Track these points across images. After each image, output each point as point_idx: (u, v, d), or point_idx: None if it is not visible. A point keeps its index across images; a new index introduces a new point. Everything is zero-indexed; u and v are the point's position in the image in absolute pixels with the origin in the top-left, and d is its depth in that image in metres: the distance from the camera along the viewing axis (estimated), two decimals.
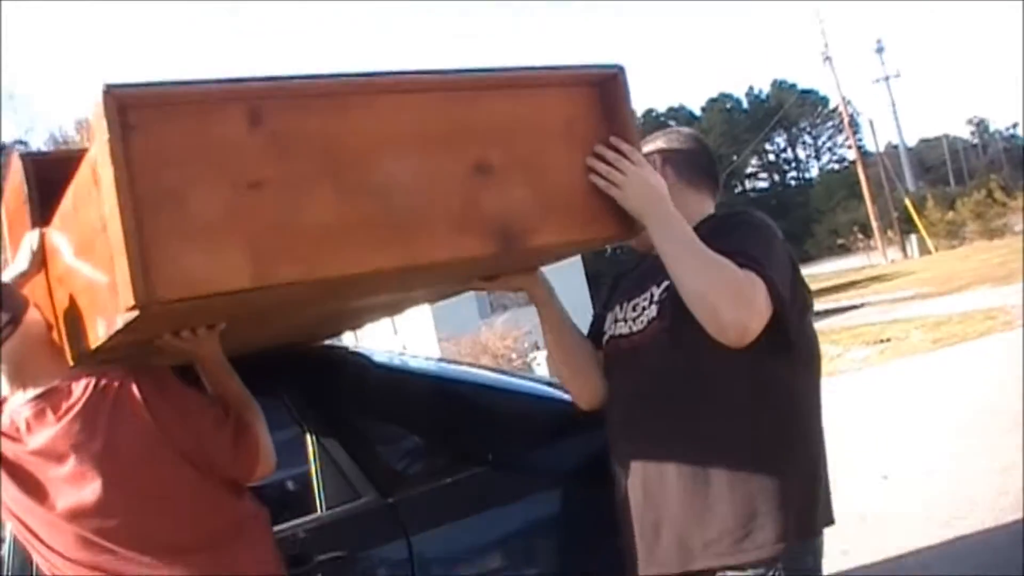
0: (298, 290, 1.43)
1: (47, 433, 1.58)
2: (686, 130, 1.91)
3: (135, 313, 1.29)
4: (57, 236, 1.72)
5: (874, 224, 37.43)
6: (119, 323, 1.36)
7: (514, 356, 13.50)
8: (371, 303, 2.00)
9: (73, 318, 1.65)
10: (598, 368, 1.82)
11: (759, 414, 1.60)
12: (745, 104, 71.73)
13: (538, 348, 15.78)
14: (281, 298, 1.50)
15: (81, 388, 1.61)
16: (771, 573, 1.55)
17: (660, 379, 1.65)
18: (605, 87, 1.63)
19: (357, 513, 2.00)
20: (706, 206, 1.80)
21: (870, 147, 48.41)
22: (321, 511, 2.02)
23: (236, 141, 1.35)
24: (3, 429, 1.63)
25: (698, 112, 71.40)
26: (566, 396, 2.24)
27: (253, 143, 1.36)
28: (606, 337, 1.79)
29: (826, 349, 11.44)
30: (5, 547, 2.06)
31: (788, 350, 1.60)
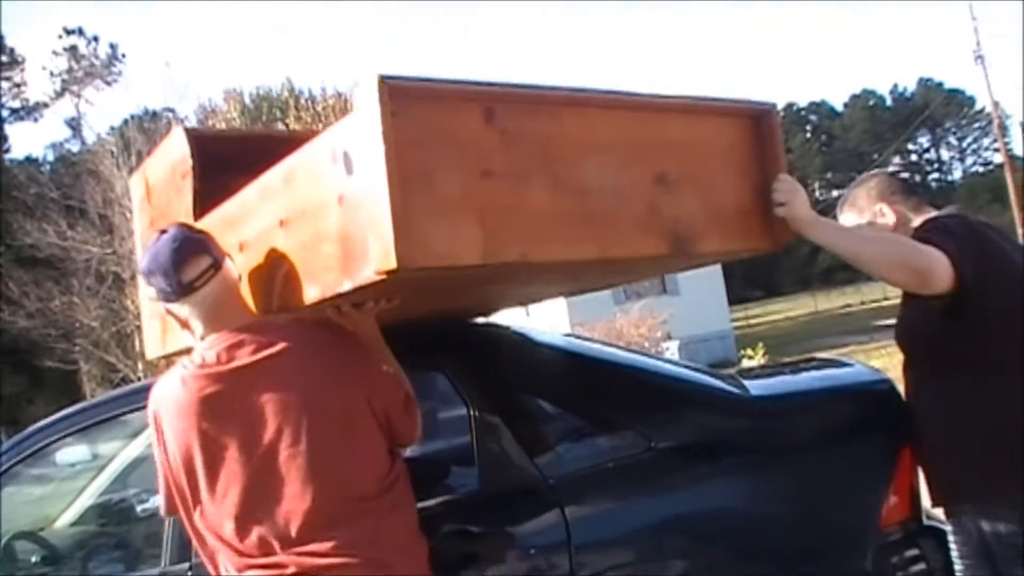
0: (504, 271, 1.61)
1: (245, 360, 1.70)
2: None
3: (383, 277, 1.45)
4: (248, 208, 1.86)
5: (1019, 230, 36.41)
6: (359, 282, 1.51)
7: (647, 344, 12.99)
8: (539, 288, 2.14)
9: (267, 278, 1.79)
10: None
11: None
12: (889, 101, 68.81)
13: (670, 338, 15.38)
14: (484, 277, 1.67)
15: (280, 329, 1.74)
16: None
17: None
18: (760, 120, 1.87)
19: (516, 491, 2.00)
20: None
21: (1018, 151, 46.30)
22: (480, 486, 2.03)
23: (474, 134, 1.53)
24: (195, 365, 1.72)
25: (840, 108, 68.36)
26: (725, 384, 2.39)
27: (487, 137, 1.54)
28: None
29: None
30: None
31: None
